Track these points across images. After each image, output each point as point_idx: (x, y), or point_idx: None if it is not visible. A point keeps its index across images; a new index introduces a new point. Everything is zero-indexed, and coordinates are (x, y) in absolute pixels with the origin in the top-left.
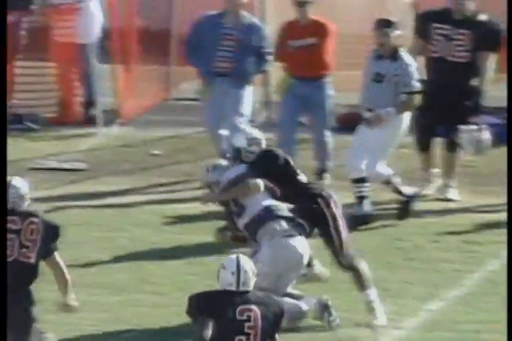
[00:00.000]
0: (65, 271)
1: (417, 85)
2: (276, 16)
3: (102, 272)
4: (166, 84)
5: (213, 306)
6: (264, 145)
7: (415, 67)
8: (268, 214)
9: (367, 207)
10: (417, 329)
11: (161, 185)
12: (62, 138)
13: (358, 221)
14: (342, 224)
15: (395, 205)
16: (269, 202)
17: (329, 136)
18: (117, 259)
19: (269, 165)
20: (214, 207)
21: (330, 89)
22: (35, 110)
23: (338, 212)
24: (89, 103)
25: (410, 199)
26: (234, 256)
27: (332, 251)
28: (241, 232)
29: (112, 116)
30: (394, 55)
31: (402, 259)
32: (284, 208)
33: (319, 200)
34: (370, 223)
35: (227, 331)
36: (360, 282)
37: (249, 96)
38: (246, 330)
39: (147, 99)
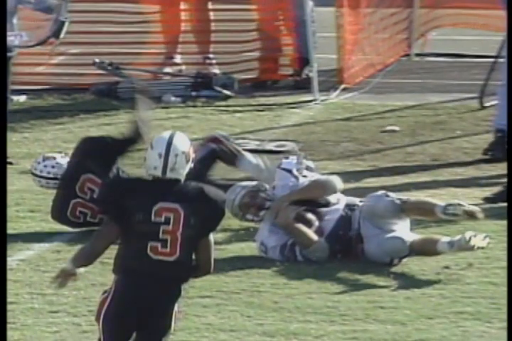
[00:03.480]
0: None
1: None
2: None
3: None
4: (406, 35)
5: (123, 199)
6: None
7: None
8: None
9: None
10: None
11: (399, 172)
12: (265, 109)
13: None
14: None
15: None
16: None
17: None
18: None
19: None
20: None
21: None
22: (230, 70)
23: None
24: (302, 61)
25: None
26: (167, 134)
27: None
28: None
29: (332, 79)
30: None
31: None
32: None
33: None
34: None
35: (137, 234)
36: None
37: None
38: (161, 236)
39: (380, 56)
